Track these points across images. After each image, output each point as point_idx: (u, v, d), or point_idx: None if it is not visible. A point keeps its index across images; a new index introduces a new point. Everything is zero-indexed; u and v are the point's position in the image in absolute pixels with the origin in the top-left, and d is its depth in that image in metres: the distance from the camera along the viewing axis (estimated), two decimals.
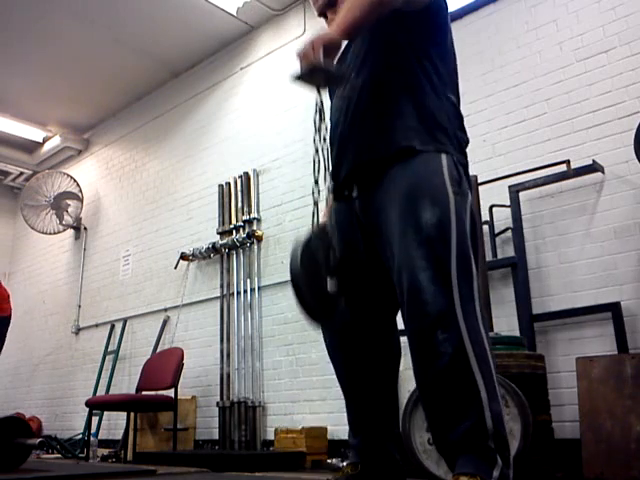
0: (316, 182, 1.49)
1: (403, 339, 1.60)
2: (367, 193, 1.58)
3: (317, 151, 1.49)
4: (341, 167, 1.63)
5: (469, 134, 1.67)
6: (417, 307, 1.37)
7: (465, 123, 1.65)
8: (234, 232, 4.59)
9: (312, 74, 1.40)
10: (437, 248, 1.39)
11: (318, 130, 1.49)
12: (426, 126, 1.52)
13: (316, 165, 1.50)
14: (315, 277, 1.43)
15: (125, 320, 5.40)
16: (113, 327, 5.53)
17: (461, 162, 1.54)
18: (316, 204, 1.48)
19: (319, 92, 1.47)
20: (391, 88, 1.56)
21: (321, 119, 1.50)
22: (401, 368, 1.67)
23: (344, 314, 1.59)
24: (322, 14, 1.76)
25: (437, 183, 1.45)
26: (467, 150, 1.62)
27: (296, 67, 1.40)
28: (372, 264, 1.58)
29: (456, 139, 1.56)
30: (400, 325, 1.56)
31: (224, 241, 4.58)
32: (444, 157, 1.50)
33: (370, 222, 1.57)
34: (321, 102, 1.50)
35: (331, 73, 1.43)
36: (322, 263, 1.43)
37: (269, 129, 4.66)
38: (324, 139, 1.49)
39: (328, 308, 1.46)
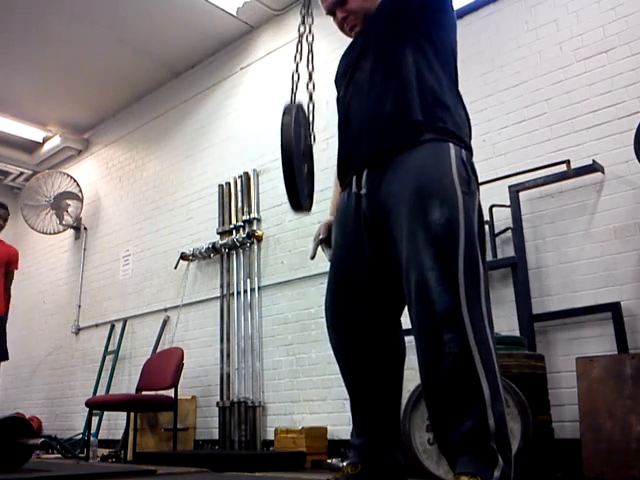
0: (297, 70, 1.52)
1: (408, 339, 1.60)
2: (374, 191, 1.57)
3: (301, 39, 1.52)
4: (354, 155, 1.63)
5: None
6: (424, 306, 1.38)
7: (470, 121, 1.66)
8: (234, 232, 4.59)
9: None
10: (445, 248, 1.39)
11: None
12: (427, 103, 1.53)
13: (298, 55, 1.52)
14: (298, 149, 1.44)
15: (125, 320, 5.40)
16: (113, 327, 5.53)
17: (467, 156, 1.54)
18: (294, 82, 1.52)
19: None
20: (393, 71, 1.57)
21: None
22: None
23: (350, 316, 1.59)
24: (331, 12, 1.75)
25: (446, 183, 1.45)
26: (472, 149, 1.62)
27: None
28: (377, 264, 1.58)
29: (458, 117, 1.57)
30: (405, 325, 1.56)
31: (224, 241, 4.58)
32: (452, 151, 1.50)
33: (378, 220, 1.56)
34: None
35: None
36: (300, 145, 1.44)
37: (269, 129, 4.65)
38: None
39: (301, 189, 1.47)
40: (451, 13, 1.67)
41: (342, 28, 1.77)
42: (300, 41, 1.53)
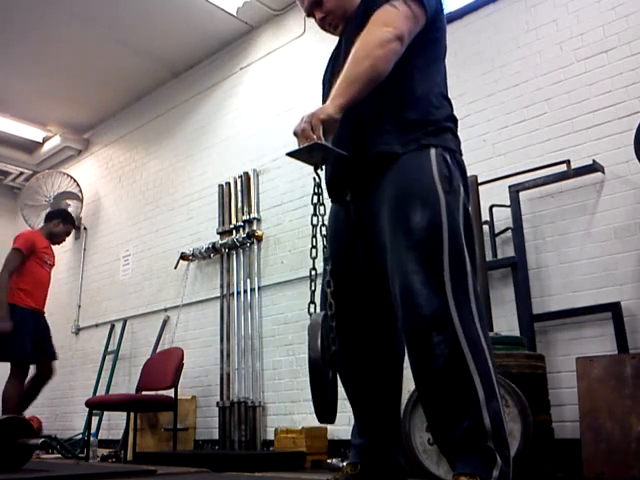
0: (314, 269, 1.42)
1: None
2: (359, 198, 1.58)
3: (314, 231, 1.44)
4: (330, 169, 1.63)
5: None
6: (411, 310, 1.37)
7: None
8: (234, 232, 4.59)
9: (311, 152, 1.38)
10: (428, 251, 1.38)
11: (316, 210, 1.44)
12: (404, 127, 1.51)
13: (313, 248, 1.44)
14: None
15: (125, 320, 5.40)
16: (113, 327, 5.52)
17: (452, 155, 1.51)
18: (313, 292, 1.44)
19: (317, 170, 1.44)
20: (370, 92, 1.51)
21: (319, 199, 1.44)
22: None
23: (348, 318, 1.59)
24: (310, 14, 1.75)
25: (426, 184, 1.44)
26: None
27: (295, 145, 1.38)
28: (370, 267, 1.58)
29: (442, 128, 1.53)
30: None
31: (224, 241, 4.58)
32: (432, 152, 1.48)
33: (365, 227, 1.57)
34: (319, 180, 1.44)
35: (330, 151, 1.40)
36: (326, 358, 1.37)
37: (269, 129, 4.66)
38: (323, 221, 1.45)
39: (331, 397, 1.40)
40: (441, 19, 1.61)
41: (324, 28, 1.76)
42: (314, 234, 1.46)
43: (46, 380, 4.33)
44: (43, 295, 4.40)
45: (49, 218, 4.62)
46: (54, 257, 4.58)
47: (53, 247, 4.57)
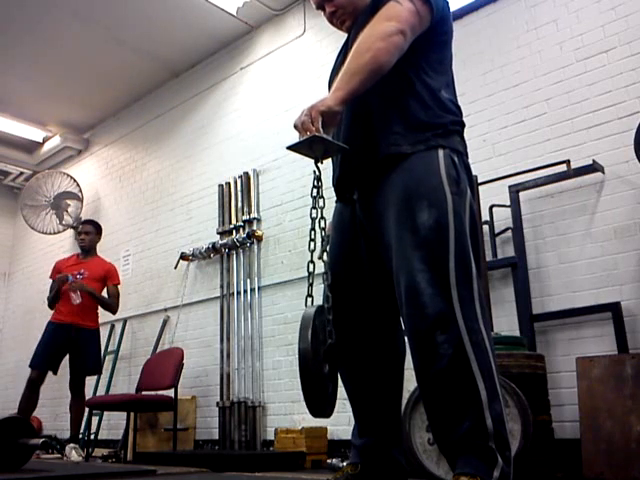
0: (312, 262, 1.43)
1: None
2: (366, 196, 1.58)
3: (313, 224, 1.44)
4: (338, 169, 1.64)
5: (469, 134, 1.66)
6: (416, 309, 1.37)
7: (465, 124, 1.64)
8: (234, 232, 4.60)
9: (311, 145, 1.37)
10: (435, 250, 1.38)
11: (315, 202, 1.45)
12: (413, 128, 1.51)
13: (312, 240, 1.44)
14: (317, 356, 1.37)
15: (125, 320, 5.39)
16: (113, 327, 5.52)
17: (459, 157, 1.52)
18: (311, 285, 1.45)
19: (317, 164, 1.44)
20: (377, 93, 1.52)
21: (319, 192, 1.45)
22: None
23: (349, 317, 1.59)
24: (320, 7, 1.74)
25: (434, 184, 1.44)
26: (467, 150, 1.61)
27: (296, 137, 1.38)
28: (374, 266, 1.58)
29: (449, 131, 1.53)
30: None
31: (224, 241, 4.58)
32: (440, 153, 1.48)
33: (371, 225, 1.57)
34: (319, 173, 1.45)
35: (331, 144, 1.39)
36: (319, 347, 1.37)
37: (269, 129, 4.65)
38: (322, 214, 1.45)
39: (322, 390, 1.39)
40: (448, 22, 1.62)
41: (332, 22, 1.75)
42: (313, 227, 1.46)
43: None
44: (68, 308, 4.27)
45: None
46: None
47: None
